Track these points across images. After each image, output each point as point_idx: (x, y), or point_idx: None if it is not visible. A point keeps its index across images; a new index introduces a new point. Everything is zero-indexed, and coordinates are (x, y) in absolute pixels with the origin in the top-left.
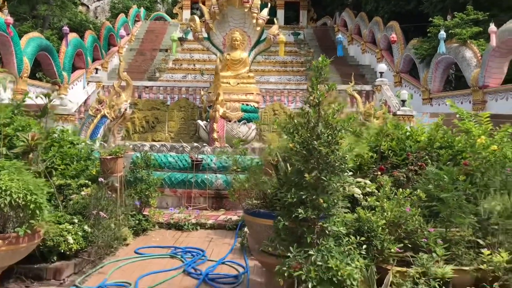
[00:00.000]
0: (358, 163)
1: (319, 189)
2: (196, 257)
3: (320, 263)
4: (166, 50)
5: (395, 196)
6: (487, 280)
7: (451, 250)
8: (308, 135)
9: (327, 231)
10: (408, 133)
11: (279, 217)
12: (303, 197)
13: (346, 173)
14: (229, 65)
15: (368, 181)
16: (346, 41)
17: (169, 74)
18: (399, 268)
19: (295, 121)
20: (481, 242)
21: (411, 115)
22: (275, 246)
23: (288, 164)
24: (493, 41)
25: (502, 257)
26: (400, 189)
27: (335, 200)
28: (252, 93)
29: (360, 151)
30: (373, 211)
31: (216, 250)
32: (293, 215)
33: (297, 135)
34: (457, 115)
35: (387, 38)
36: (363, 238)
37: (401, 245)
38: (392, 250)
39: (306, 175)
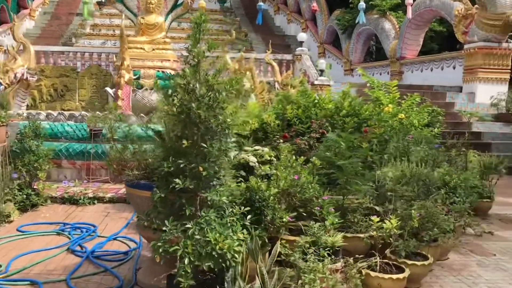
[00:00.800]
0: (264, 131)
1: (199, 156)
2: (85, 233)
3: (198, 237)
4: None
5: (290, 163)
6: (378, 248)
7: (347, 218)
8: (187, 97)
9: (209, 202)
10: (315, 101)
11: (155, 189)
12: (182, 165)
13: (229, 139)
14: (144, 30)
15: (266, 149)
16: (273, 11)
17: (86, 40)
18: (290, 237)
19: (173, 82)
20: (378, 209)
21: (329, 85)
22: (152, 220)
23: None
24: (409, 13)
25: (392, 223)
26: (295, 157)
27: (218, 168)
28: (169, 60)
29: (265, 119)
30: (270, 180)
31: (111, 225)
32: (171, 186)
33: (176, 98)
34: (368, 84)
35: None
36: (248, 208)
37: (295, 214)
38: (284, 220)
39: (185, 141)
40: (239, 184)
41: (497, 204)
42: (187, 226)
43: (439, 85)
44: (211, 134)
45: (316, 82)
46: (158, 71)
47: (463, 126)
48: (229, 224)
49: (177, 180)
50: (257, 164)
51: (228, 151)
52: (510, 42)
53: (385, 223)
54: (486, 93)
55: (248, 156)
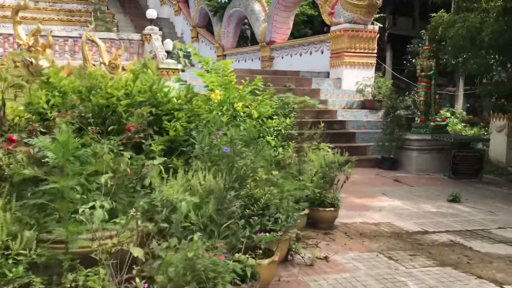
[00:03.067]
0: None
1: None
2: None
3: None
4: None
5: None
6: None
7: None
8: None
9: None
10: (94, 85)
11: None
12: None
13: None
14: None
15: None
16: None
17: None
18: None
19: None
20: (136, 253)
21: (176, 69)
22: None
23: None
24: None
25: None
26: None
27: None
28: None
29: None
30: None
31: None
32: None
33: None
34: (200, 66)
35: None
36: None
37: None
38: None
39: None
40: None
41: (349, 208)
42: None
43: (306, 71)
44: None
45: (161, 66)
46: None
47: (328, 115)
48: None
49: None
50: None
51: None
52: (376, 25)
53: None
54: (353, 79)
55: None
